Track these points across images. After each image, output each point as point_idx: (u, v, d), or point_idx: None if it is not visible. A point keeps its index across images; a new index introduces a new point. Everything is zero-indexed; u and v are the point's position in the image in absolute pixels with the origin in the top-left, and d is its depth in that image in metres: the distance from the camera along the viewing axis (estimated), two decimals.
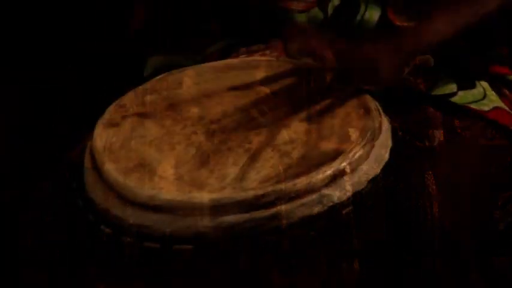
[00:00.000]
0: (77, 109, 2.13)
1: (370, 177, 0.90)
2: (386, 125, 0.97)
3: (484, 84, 1.21)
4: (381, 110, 0.98)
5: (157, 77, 1.12)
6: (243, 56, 1.22)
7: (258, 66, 1.11)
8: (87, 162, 0.99)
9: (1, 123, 2.08)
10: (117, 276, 1.04)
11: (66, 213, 1.66)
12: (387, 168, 0.93)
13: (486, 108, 1.17)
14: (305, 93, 1.03)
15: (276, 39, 1.22)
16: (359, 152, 0.89)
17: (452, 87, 1.18)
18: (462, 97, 1.18)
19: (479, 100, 1.18)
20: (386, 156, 0.93)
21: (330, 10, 1.19)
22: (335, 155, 0.89)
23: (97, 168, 0.95)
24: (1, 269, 1.80)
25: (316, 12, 1.19)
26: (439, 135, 1.12)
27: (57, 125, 2.09)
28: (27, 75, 2.10)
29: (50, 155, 1.99)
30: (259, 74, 1.09)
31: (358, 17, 1.19)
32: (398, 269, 1.13)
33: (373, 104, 0.98)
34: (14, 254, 1.80)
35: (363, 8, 1.18)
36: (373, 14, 1.18)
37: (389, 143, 0.95)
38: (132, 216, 0.88)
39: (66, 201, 1.64)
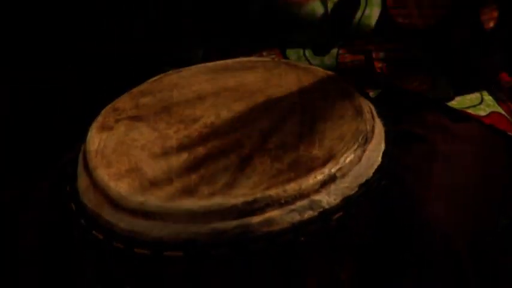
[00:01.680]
0: (77, 109, 2.12)
1: (362, 181, 0.89)
2: (379, 127, 0.96)
3: None
4: (374, 112, 0.97)
5: (153, 79, 1.12)
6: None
7: (253, 67, 1.11)
8: (80, 166, 0.99)
9: (1, 123, 2.08)
10: (108, 282, 1.03)
11: (64, 215, 1.66)
12: (380, 171, 0.92)
13: (483, 113, 1.16)
14: (299, 95, 1.03)
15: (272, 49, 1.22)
16: (350, 157, 0.88)
17: (449, 91, 1.17)
18: (459, 102, 1.17)
19: (476, 105, 1.17)
20: (379, 159, 0.93)
21: (330, 5, 1.18)
22: (326, 159, 0.88)
23: (89, 173, 0.95)
24: (1, 269, 1.81)
25: (315, 5, 1.18)
26: (436, 137, 1.11)
27: (58, 125, 2.09)
28: (27, 75, 2.10)
29: (50, 155, 1.98)
30: (254, 75, 1.08)
31: (359, 14, 1.17)
32: (391, 272, 1.12)
33: (366, 106, 0.98)
34: (14, 254, 1.81)
35: (363, 4, 1.17)
36: (374, 11, 1.17)
37: (382, 146, 0.94)
38: (122, 222, 0.87)
39: (62, 203, 1.63)
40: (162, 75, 1.13)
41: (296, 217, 0.84)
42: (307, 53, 1.18)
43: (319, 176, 0.86)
